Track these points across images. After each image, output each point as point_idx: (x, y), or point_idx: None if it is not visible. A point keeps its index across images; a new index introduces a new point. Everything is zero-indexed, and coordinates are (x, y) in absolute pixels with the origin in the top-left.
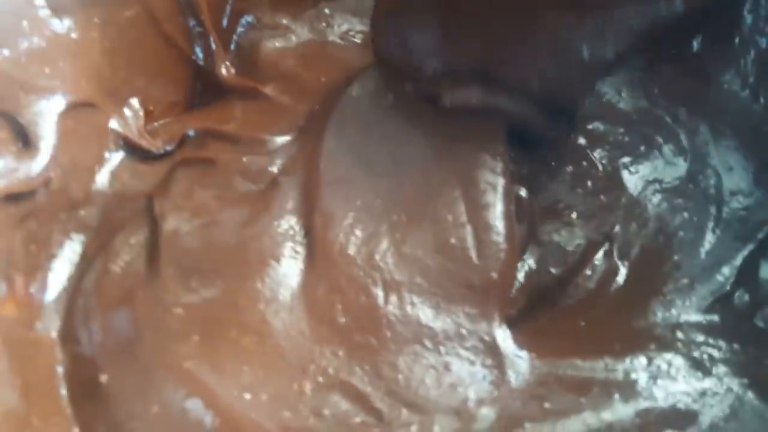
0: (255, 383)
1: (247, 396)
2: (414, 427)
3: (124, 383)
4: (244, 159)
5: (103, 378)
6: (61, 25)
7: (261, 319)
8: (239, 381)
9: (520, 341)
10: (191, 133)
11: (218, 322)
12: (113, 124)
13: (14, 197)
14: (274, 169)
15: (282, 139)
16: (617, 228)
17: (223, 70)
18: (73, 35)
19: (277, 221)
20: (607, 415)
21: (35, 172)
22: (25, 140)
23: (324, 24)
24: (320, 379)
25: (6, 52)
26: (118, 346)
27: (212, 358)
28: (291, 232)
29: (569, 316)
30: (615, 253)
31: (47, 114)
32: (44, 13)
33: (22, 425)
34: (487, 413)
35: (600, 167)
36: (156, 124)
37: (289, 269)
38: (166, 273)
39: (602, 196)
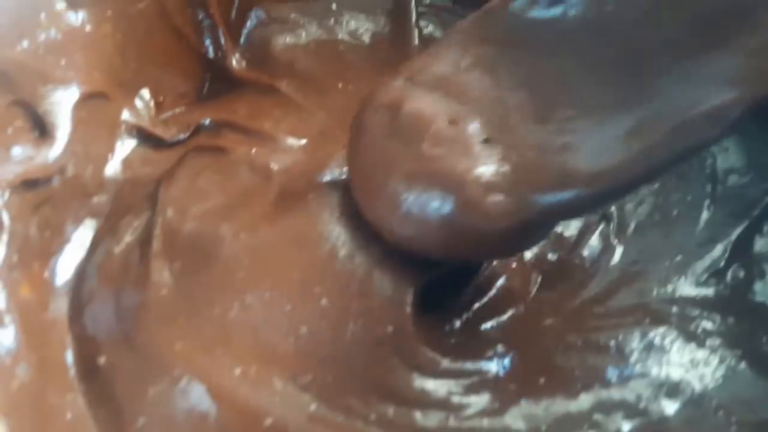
0: (244, 355)
1: (237, 371)
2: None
3: (120, 365)
4: (253, 151)
5: (101, 360)
6: (76, 18)
7: (242, 289)
8: (228, 357)
9: (511, 326)
10: (206, 122)
11: (201, 301)
12: (125, 114)
13: (31, 184)
14: (275, 167)
15: (292, 141)
16: (612, 208)
17: (234, 63)
18: (87, 28)
19: (258, 209)
20: (602, 385)
21: (51, 159)
22: (41, 129)
23: (332, 20)
24: (301, 341)
25: (25, 43)
26: (115, 328)
27: (200, 337)
28: (270, 214)
29: (566, 296)
30: (611, 233)
31: (63, 104)
32: (60, 6)
33: (38, 401)
34: (477, 399)
35: None
36: (167, 113)
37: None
38: (155, 255)
39: None
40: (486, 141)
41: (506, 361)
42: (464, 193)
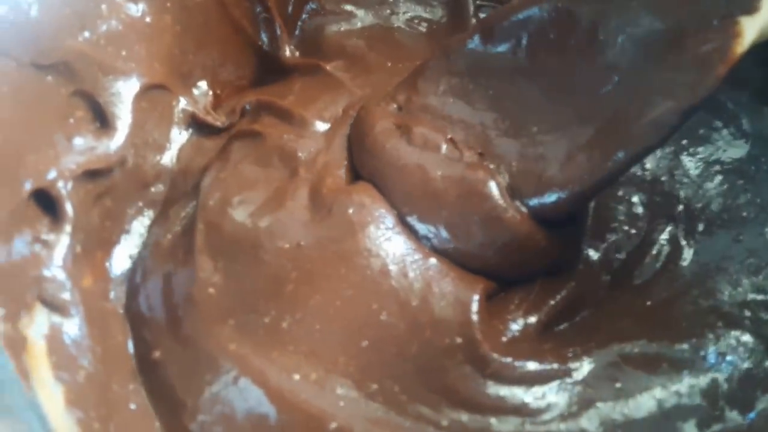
0: (301, 362)
1: (296, 376)
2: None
3: (174, 361)
4: (284, 137)
5: (156, 354)
6: (137, 9)
7: (294, 303)
8: (285, 362)
9: (584, 327)
10: (247, 106)
11: (250, 307)
12: (183, 104)
13: (92, 174)
14: (302, 156)
15: (319, 124)
16: (680, 208)
17: (287, 53)
18: (147, 19)
19: (293, 211)
20: (677, 389)
21: (112, 150)
22: (102, 120)
23: (388, 11)
24: (362, 354)
25: (87, 34)
26: (165, 317)
27: (253, 341)
28: (307, 221)
29: (636, 297)
30: (680, 233)
31: (124, 95)
32: None
33: (104, 390)
34: (553, 403)
35: (659, 150)
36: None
37: (305, 256)
38: (198, 250)
39: (663, 178)
40: (481, 155)
41: (582, 363)
42: (487, 206)
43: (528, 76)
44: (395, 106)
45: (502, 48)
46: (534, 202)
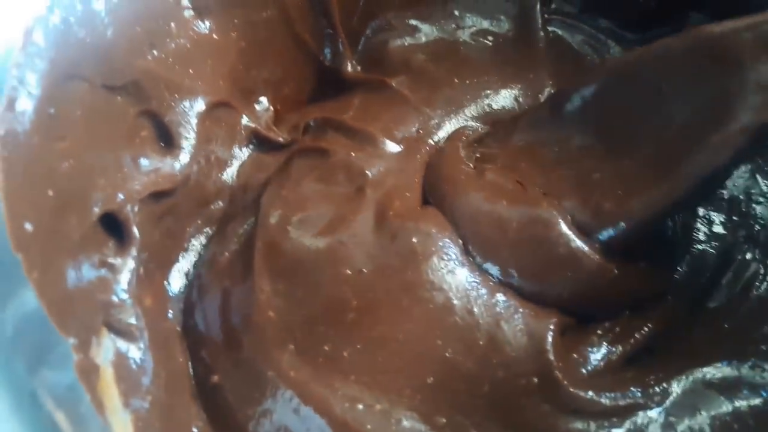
0: (364, 393)
1: (359, 406)
2: None
3: (233, 386)
4: (353, 154)
5: (215, 378)
6: (204, 26)
7: (355, 332)
8: (348, 391)
9: (664, 351)
10: (311, 122)
11: (311, 334)
12: (245, 121)
13: (157, 195)
14: (369, 175)
15: (394, 147)
16: (757, 228)
17: (349, 68)
18: (215, 36)
19: (356, 233)
20: (758, 413)
21: (177, 170)
22: (167, 139)
23: (453, 25)
24: (428, 388)
25: (155, 52)
26: (223, 342)
27: (312, 367)
28: (370, 245)
29: (714, 319)
30: (757, 254)
31: (189, 113)
32: (189, 14)
33: (168, 414)
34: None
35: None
36: (282, 118)
37: (370, 280)
38: (257, 270)
39: (741, 197)
40: (545, 194)
41: (664, 391)
42: (551, 236)
43: (592, 135)
44: (474, 153)
45: (568, 117)
46: (597, 235)
